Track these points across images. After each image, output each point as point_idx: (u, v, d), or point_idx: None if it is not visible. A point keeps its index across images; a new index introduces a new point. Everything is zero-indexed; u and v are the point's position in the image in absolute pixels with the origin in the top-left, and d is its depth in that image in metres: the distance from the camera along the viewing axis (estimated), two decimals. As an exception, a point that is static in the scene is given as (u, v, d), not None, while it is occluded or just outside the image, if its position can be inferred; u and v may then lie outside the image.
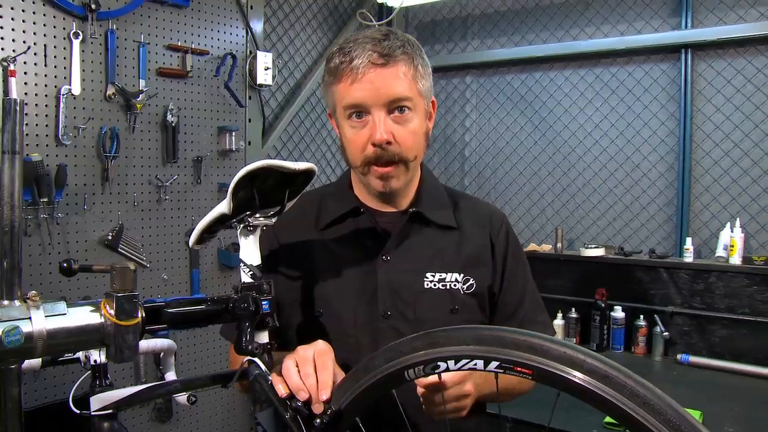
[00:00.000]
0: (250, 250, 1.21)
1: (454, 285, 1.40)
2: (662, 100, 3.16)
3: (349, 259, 1.40)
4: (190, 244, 1.30)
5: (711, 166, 3.04)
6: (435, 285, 1.39)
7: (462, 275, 1.41)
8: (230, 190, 1.12)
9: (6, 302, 0.94)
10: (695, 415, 2.18)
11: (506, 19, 3.62)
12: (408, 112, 1.30)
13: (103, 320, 1.01)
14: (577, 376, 0.81)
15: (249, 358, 1.15)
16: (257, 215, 1.19)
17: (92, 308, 1.01)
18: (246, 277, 1.19)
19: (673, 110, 3.12)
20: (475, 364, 0.92)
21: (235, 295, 1.14)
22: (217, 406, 2.77)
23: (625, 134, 3.26)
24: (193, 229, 1.29)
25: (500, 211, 1.54)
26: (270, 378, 1.10)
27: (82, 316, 1.00)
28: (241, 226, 1.20)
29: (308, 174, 1.18)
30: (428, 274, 1.39)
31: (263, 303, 1.14)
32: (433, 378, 1.04)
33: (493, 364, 0.90)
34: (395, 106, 1.28)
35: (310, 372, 1.09)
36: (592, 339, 3.09)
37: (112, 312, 1.01)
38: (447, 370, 0.95)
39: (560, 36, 3.42)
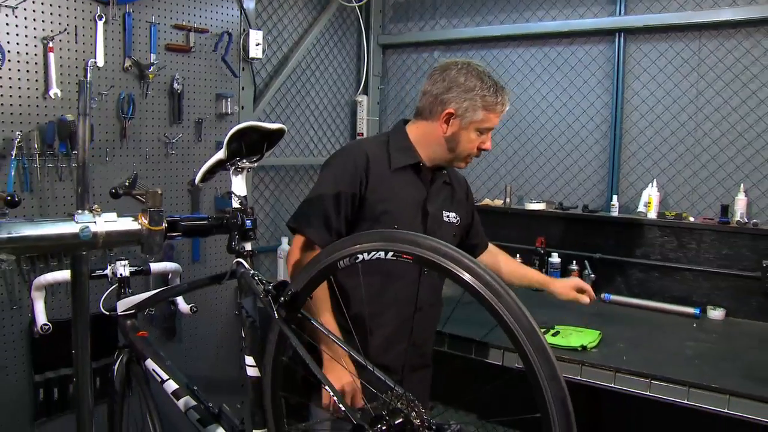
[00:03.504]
0: (239, 185, 1.71)
1: (453, 219, 2.27)
2: (599, 77, 3.65)
3: (412, 194, 2.15)
4: (197, 181, 1.82)
5: (637, 135, 3.54)
6: (447, 219, 2.24)
7: (454, 214, 2.28)
8: (225, 142, 1.62)
9: (80, 212, 1.46)
10: (594, 334, 2.72)
11: (469, 1, 4.08)
12: None
13: (140, 227, 1.53)
14: (434, 256, 1.32)
15: (237, 259, 1.68)
16: (244, 160, 1.69)
17: (133, 218, 1.53)
18: (236, 204, 1.70)
19: (607, 85, 3.62)
20: (380, 255, 1.43)
21: (227, 214, 1.67)
22: (216, 326, 3.32)
23: (567, 105, 3.76)
24: (196, 174, 1.81)
25: (464, 176, 2.46)
26: (252, 272, 1.62)
27: (127, 223, 1.52)
28: (233, 168, 1.70)
29: (280, 132, 1.69)
30: (444, 212, 2.24)
31: (247, 221, 1.66)
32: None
33: (390, 254, 1.41)
34: None
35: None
36: (532, 280, 3.62)
37: (146, 221, 1.52)
38: (363, 260, 1.46)
39: (515, 18, 3.90)
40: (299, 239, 2.08)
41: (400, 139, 2.18)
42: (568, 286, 2.49)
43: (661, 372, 2.35)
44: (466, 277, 1.25)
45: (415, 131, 2.18)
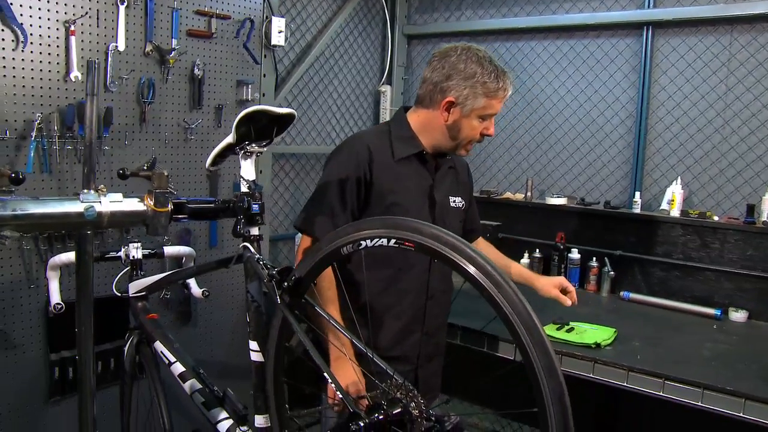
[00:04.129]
0: (248, 169, 1.70)
1: (460, 204, 2.24)
2: (625, 71, 3.59)
3: (418, 184, 2.12)
4: (207, 165, 1.82)
5: (663, 131, 3.48)
6: (455, 204, 2.22)
7: (460, 198, 2.24)
8: (234, 126, 1.62)
9: (86, 191, 1.46)
10: (609, 332, 2.68)
11: (496, -8, 4.05)
12: None
13: (145, 208, 1.53)
14: (435, 244, 1.30)
15: (244, 244, 1.67)
16: (253, 145, 1.69)
17: (139, 199, 1.53)
18: (244, 188, 1.70)
19: (633, 80, 3.56)
20: (383, 242, 1.42)
21: (234, 198, 1.67)
22: (231, 311, 3.33)
23: (592, 99, 3.70)
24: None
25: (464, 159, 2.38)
26: (258, 256, 1.62)
27: (132, 203, 1.52)
28: (242, 152, 1.69)
29: (290, 116, 1.68)
30: (451, 197, 2.20)
31: (254, 205, 1.66)
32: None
33: (392, 241, 1.39)
34: None
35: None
36: (551, 276, 3.57)
37: (152, 202, 1.53)
38: (366, 246, 1.44)
39: (541, 10, 3.85)
40: (306, 239, 2.05)
41: (402, 128, 2.14)
42: (551, 284, 2.36)
43: (675, 372, 2.31)
44: (466, 266, 1.23)
45: (416, 119, 2.13)
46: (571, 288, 2.37)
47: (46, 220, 1.40)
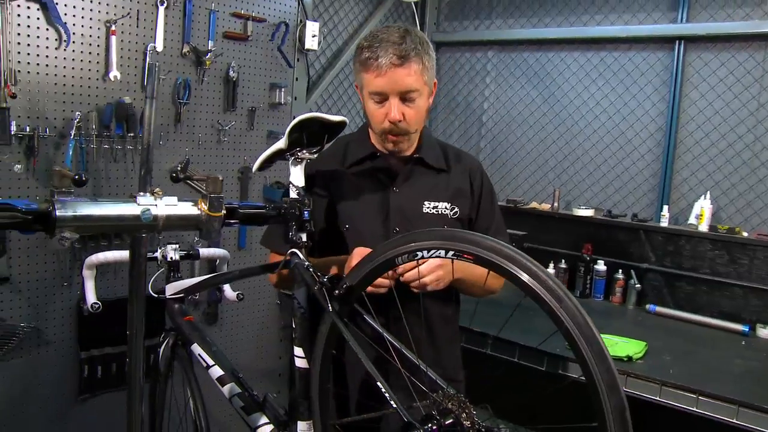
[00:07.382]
0: (297, 176, 1.71)
1: (444, 211, 1.91)
2: (656, 84, 3.58)
3: (368, 189, 1.90)
4: (254, 169, 1.82)
5: (692, 145, 3.47)
6: (430, 210, 1.90)
7: (450, 204, 1.91)
8: (287, 131, 1.62)
9: (142, 194, 1.47)
10: (640, 345, 2.67)
11: (527, 2, 4.04)
12: (415, 99, 1.76)
13: (199, 212, 1.53)
14: (495, 257, 1.31)
15: (292, 250, 1.67)
16: (304, 151, 1.69)
17: (193, 204, 1.53)
18: (294, 194, 1.70)
19: (664, 94, 3.55)
20: (440, 253, 1.42)
21: (286, 204, 1.67)
22: (256, 312, 3.34)
23: (621, 112, 3.69)
24: (251, 164, 1.80)
25: (477, 160, 2.05)
26: (306, 263, 1.62)
27: (187, 207, 1.52)
28: (292, 158, 1.70)
29: (342, 124, 1.68)
30: (425, 203, 1.90)
31: (305, 211, 1.66)
32: (412, 264, 1.61)
33: (450, 253, 1.39)
34: (406, 96, 1.75)
35: None
36: (576, 287, 3.57)
37: (206, 207, 1.53)
38: (422, 257, 1.44)
39: (572, 21, 3.84)
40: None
41: (362, 132, 1.99)
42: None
43: (709, 388, 2.30)
44: (526, 278, 1.23)
45: None
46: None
47: (104, 222, 1.40)
